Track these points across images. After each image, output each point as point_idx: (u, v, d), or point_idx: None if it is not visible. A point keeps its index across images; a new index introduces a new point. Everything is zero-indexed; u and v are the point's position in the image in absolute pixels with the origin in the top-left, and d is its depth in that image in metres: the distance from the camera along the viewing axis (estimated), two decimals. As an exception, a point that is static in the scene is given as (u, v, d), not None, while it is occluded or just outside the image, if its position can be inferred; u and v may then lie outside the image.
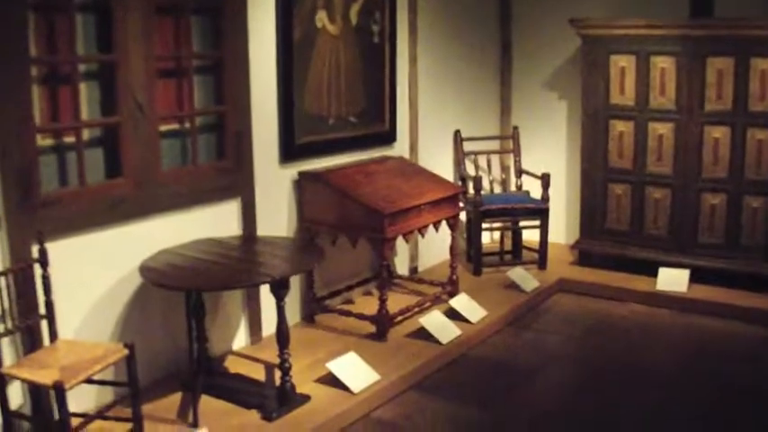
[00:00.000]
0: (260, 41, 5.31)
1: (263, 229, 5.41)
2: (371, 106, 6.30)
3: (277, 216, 5.60)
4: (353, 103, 6.12)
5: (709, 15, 6.60)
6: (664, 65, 6.57)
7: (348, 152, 6.12)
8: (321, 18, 5.71)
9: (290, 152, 5.60)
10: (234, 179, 5.22)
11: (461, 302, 5.99)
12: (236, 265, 4.58)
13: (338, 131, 6.00)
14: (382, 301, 5.51)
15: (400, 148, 6.67)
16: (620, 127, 6.84)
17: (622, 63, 6.74)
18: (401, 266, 6.86)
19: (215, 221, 5.12)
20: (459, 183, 7.31)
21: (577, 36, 6.98)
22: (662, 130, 6.67)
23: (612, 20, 6.80)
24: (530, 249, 7.31)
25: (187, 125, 5.00)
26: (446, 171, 7.33)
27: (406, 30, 6.63)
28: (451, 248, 6.23)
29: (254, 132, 5.31)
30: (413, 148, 6.82)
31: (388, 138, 6.53)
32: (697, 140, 6.53)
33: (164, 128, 4.86)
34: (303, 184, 5.68)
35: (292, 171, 5.67)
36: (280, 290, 4.35)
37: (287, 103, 5.51)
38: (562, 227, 7.84)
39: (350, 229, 5.49)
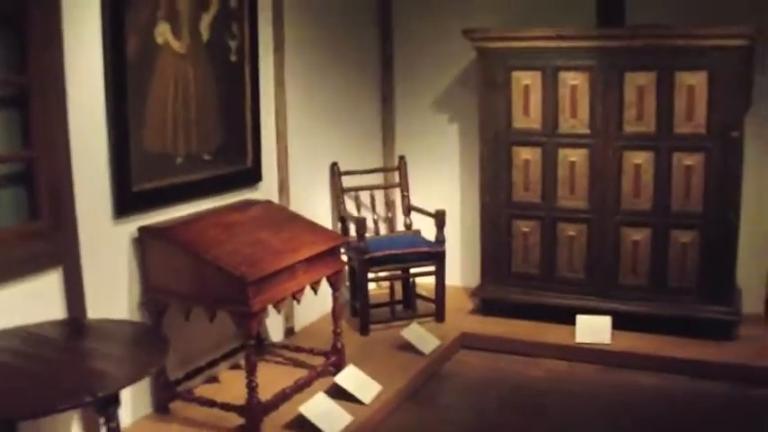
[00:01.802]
0: (80, 62, 4.09)
1: (95, 307, 4.16)
2: (230, 140, 5.16)
3: (113, 288, 4.39)
4: (207, 136, 4.96)
5: (620, 24, 5.72)
6: (574, 82, 5.69)
7: (202, 198, 4.96)
8: (163, 32, 4.54)
9: (126, 203, 4.40)
10: (51, 244, 3.98)
11: (349, 378, 4.90)
12: (48, 374, 3.29)
13: (188, 173, 4.83)
14: (251, 389, 4.36)
15: (267, 188, 5.54)
16: (526, 154, 5.93)
17: (526, 80, 5.82)
18: (274, 328, 5.72)
19: (27, 303, 3.84)
20: (339, 224, 6.25)
21: (472, 49, 6.00)
22: (574, 156, 5.80)
23: (514, 30, 5.86)
24: (424, 299, 6.27)
25: (-18, 176, 3.78)
26: (323, 212, 6.28)
27: (271, 46, 5.54)
28: (334, 311, 5.12)
29: (76, 181, 4.08)
30: (282, 187, 5.70)
31: (252, 177, 5.40)
32: (615, 168, 5.70)
33: (-54, 182, 3.64)
34: (145, 242, 4.48)
35: (131, 227, 4.46)
36: (107, 408, 3.16)
37: (119, 141, 4.31)
38: (457, 268, 6.84)
39: (206, 301, 4.34)
